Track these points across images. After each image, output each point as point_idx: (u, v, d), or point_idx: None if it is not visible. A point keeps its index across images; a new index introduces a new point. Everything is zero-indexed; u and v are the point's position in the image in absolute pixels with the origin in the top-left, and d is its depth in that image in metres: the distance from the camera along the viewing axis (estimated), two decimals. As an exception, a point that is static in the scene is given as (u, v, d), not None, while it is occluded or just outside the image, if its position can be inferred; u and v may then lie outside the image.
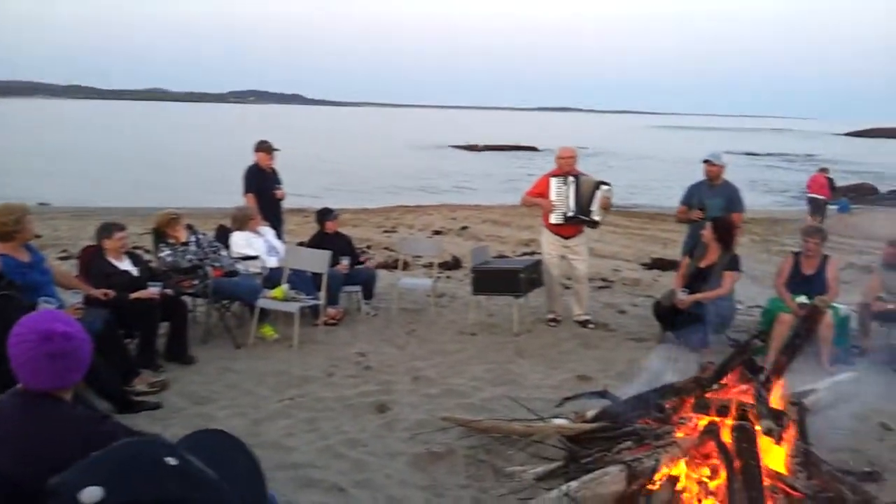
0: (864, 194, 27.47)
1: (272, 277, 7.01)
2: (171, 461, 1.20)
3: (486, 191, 27.71)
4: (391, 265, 10.30)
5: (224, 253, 6.89)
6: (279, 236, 7.97)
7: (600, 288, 9.45)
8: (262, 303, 6.59)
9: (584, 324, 7.49)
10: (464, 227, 15.67)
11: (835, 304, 6.48)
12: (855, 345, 6.67)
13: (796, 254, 6.76)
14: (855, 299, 7.42)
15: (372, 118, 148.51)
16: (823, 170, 19.22)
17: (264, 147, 8.19)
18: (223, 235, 7.38)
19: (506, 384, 5.67)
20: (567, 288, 8.08)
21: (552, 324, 7.53)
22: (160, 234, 6.66)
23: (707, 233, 6.75)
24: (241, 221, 7.34)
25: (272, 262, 7.22)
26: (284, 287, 6.65)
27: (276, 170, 8.32)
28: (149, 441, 1.28)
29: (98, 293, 5.56)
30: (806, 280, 6.53)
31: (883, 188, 30.03)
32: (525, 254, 11.75)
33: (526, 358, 6.43)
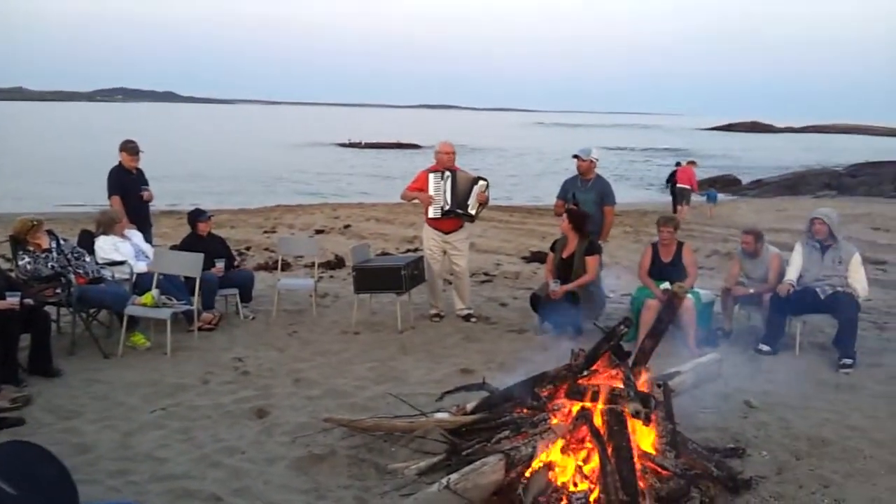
0: (727, 185, 29.23)
1: (142, 283, 6.71)
2: None
3: (369, 189, 27.61)
4: (271, 266, 10.08)
5: (88, 259, 6.56)
6: (148, 239, 7.63)
7: (482, 282, 9.61)
8: (130, 310, 6.30)
9: (466, 318, 7.58)
10: (346, 226, 15.55)
11: (696, 290, 6.84)
12: (719, 327, 7.08)
13: (654, 244, 7.10)
14: (718, 284, 7.88)
15: (252, 116, 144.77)
16: (692, 162, 20.40)
17: (129, 147, 7.82)
18: (87, 240, 7.01)
19: (389, 381, 5.66)
20: (449, 283, 8.16)
21: (435, 319, 7.59)
22: (19, 242, 6.30)
23: (564, 224, 7.06)
24: (107, 225, 7.00)
25: (141, 267, 6.92)
26: (154, 293, 6.37)
27: (142, 170, 7.97)
28: None
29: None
30: (665, 267, 6.85)
31: (745, 179, 32.05)
32: (409, 250, 11.79)
33: (410, 354, 6.45)
